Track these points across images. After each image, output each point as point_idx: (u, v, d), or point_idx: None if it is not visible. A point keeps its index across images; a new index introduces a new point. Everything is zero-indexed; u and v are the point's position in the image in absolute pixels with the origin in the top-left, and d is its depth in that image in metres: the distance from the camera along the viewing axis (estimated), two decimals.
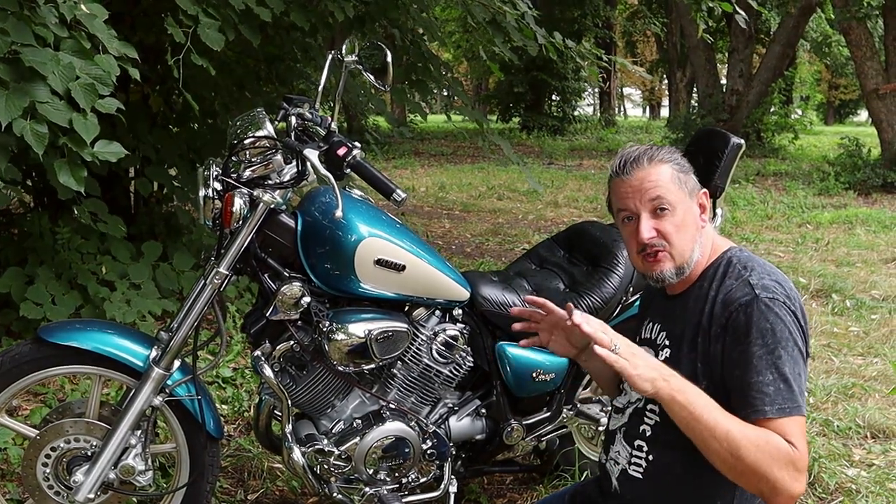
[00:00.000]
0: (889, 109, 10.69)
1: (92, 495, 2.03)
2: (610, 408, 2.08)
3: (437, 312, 2.30)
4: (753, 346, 1.47)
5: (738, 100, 15.07)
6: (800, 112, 21.18)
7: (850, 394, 3.62)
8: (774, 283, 1.52)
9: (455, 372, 2.31)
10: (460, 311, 2.32)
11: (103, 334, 2.11)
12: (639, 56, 34.40)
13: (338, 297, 2.16)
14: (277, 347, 2.13)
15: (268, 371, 2.09)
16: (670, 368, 1.49)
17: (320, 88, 2.29)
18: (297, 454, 2.15)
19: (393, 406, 2.24)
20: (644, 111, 49.34)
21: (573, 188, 10.49)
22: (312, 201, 2.18)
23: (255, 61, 5.06)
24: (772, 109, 16.12)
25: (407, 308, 2.25)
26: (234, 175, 2.03)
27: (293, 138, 2.11)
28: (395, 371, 2.24)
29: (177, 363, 2.09)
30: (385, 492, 2.22)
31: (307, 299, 2.07)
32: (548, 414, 2.49)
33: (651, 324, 1.73)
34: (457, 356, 2.30)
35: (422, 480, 2.31)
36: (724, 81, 16.29)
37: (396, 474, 2.24)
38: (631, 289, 2.47)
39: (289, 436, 2.15)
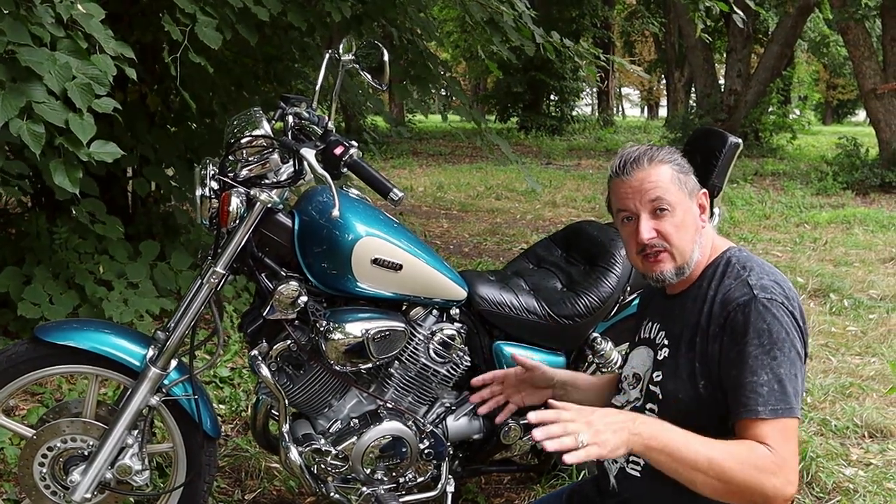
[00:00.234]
0: (887, 109, 10.70)
1: (89, 495, 2.02)
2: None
3: (435, 312, 2.30)
4: (750, 346, 1.47)
5: (736, 100, 15.08)
6: (798, 112, 21.23)
7: (848, 393, 3.62)
8: (773, 283, 1.53)
9: (452, 371, 2.31)
10: (458, 311, 2.31)
11: (100, 334, 2.10)
12: (637, 56, 34.38)
13: (335, 296, 2.15)
14: (274, 347, 2.13)
15: (265, 370, 2.09)
16: (633, 413, 1.48)
17: (317, 88, 2.28)
18: (294, 454, 2.14)
19: (390, 405, 2.24)
20: (642, 111, 49.32)
21: (571, 188, 10.49)
22: (309, 201, 2.17)
23: (252, 61, 5.06)
24: (770, 109, 16.15)
25: (404, 307, 2.24)
26: (230, 174, 2.02)
27: (290, 137, 2.10)
28: (392, 370, 2.24)
29: (174, 363, 2.09)
30: (382, 491, 2.21)
31: (304, 299, 2.06)
32: None
33: (650, 323, 1.73)
34: (454, 356, 2.29)
35: (419, 480, 2.30)
36: (722, 81, 16.31)
37: (394, 474, 2.24)
38: (628, 288, 2.47)
39: (286, 435, 2.15)
